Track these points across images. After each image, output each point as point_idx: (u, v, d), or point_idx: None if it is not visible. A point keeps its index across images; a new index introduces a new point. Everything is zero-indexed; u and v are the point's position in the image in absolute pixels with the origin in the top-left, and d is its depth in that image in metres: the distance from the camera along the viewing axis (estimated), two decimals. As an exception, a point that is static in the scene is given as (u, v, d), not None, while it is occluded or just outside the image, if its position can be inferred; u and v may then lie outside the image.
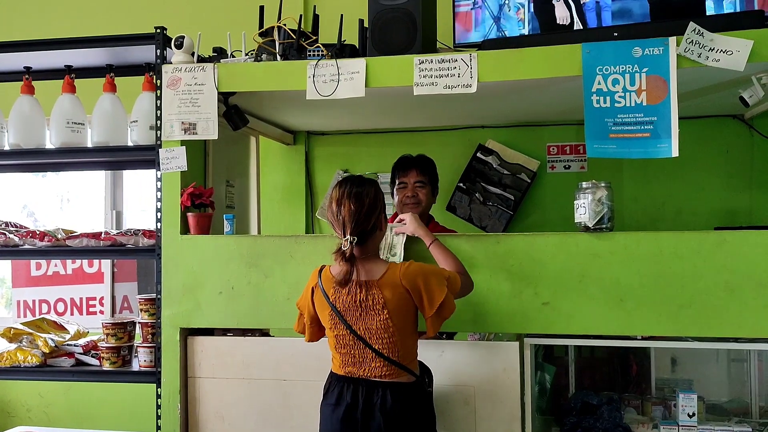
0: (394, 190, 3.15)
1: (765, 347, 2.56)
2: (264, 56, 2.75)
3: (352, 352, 2.23)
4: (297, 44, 2.71)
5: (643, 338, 2.54)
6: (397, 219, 2.57)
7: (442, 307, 2.19)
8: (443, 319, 2.22)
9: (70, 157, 3.09)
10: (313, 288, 2.31)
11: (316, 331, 2.36)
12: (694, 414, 2.56)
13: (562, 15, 2.73)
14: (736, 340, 2.44)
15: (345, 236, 2.19)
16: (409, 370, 2.23)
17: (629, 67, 2.39)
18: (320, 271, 2.31)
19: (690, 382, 3.02)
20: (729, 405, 2.98)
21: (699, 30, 2.31)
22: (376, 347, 2.19)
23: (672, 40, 2.35)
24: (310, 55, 2.68)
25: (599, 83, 2.41)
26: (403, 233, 2.52)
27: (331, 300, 2.23)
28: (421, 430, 2.24)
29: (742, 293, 2.33)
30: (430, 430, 2.29)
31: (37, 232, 2.97)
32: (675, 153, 2.35)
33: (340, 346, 2.26)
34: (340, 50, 2.67)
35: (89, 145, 3.03)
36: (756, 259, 2.33)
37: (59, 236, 2.97)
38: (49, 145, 3.05)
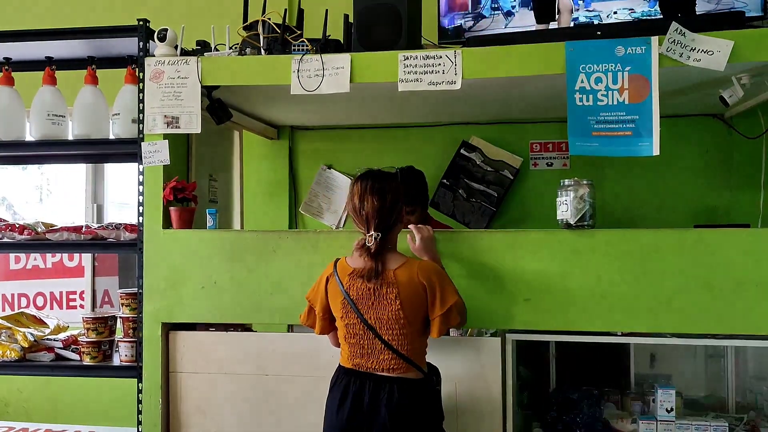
0: None
1: (742, 343, 2.60)
2: (248, 50, 2.73)
3: (362, 342, 2.22)
4: (281, 38, 2.70)
5: (623, 334, 2.56)
6: (411, 234, 2.42)
7: (451, 311, 2.20)
8: (449, 325, 2.22)
9: (51, 150, 3.06)
10: (327, 277, 2.30)
11: (328, 323, 2.35)
12: (672, 409, 2.59)
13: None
14: (713, 336, 2.48)
15: (369, 232, 2.21)
16: (417, 366, 2.22)
17: (612, 66, 2.41)
18: (335, 262, 2.31)
19: (668, 378, 3.06)
20: (706, 400, 3.02)
21: (681, 30, 2.34)
22: (386, 338, 2.18)
23: (654, 39, 2.37)
24: (294, 50, 2.67)
25: (582, 81, 2.43)
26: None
27: (345, 288, 2.23)
28: (426, 427, 2.21)
29: (721, 290, 2.37)
30: (437, 428, 2.26)
31: (17, 226, 2.94)
32: (656, 151, 2.38)
33: (349, 336, 2.24)
34: (325, 45, 2.66)
35: (70, 137, 3.00)
36: (734, 256, 2.37)
37: (39, 230, 2.93)
38: (29, 138, 3.02)
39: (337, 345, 2.36)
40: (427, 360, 2.32)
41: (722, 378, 3.07)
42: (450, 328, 2.24)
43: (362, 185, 2.25)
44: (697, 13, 2.63)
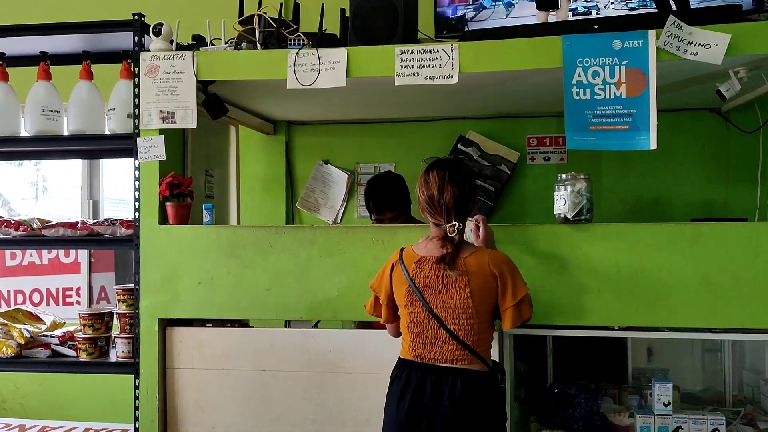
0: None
1: (739, 337, 2.60)
2: (244, 45, 2.72)
3: (425, 332, 2.15)
4: (277, 33, 2.68)
5: (620, 328, 2.57)
6: (475, 225, 2.31)
7: (523, 302, 2.14)
8: (522, 317, 2.16)
9: (46, 146, 3.04)
10: (393, 265, 2.25)
11: (392, 312, 2.29)
12: (669, 403, 2.59)
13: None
14: (710, 330, 2.48)
15: (449, 222, 2.14)
16: (482, 359, 2.14)
17: (609, 60, 2.40)
18: (401, 250, 2.26)
19: (666, 372, 3.06)
20: (703, 394, 3.03)
21: (678, 23, 2.33)
22: (452, 328, 2.12)
23: (651, 33, 2.37)
24: (290, 44, 2.66)
25: (579, 75, 2.42)
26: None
27: (410, 275, 2.17)
28: (490, 422, 2.13)
29: (718, 284, 2.37)
30: (500, 425, 2.18)
31: (12, 222, 2.93)
32: (653, 145, 2.38)
33: (412, 325, 2.18)
34: (321, 39, 2.65)
35: (65, 133, 2.98)
36: (731, 250, 2.37)
37: (35, 226, 2.92)
38: (24, 133, 3.00)
39: (397, 335, 2.30)
40: (493, 359, 2.24)
41: (719, 372, 3.08)
42: (523, 320, 2.17)
43: (440, 175, 2.19)
44: (694, 7, 2.62)
